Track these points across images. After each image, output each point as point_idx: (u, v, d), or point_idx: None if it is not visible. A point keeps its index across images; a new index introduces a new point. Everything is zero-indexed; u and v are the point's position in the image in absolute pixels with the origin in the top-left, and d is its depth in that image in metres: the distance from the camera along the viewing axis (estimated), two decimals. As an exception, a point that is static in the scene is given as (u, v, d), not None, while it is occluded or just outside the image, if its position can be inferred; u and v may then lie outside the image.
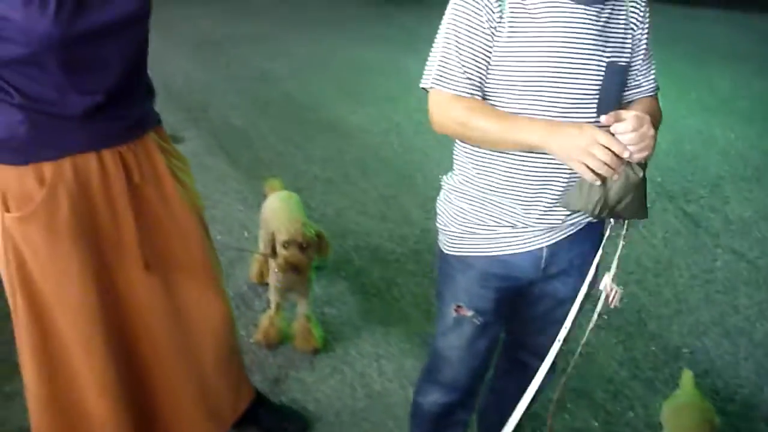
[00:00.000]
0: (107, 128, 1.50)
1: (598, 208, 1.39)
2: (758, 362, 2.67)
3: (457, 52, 1.44)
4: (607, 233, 1.54)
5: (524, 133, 1.40)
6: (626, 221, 1.51)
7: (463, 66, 1.43)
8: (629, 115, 1.33)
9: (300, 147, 4.43)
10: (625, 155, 1.32)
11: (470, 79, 1.44)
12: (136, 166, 1.57)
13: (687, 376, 2.20)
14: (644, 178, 1.39)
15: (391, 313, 2.85)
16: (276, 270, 2.39)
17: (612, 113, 1.34)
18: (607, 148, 1.30)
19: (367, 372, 2.51)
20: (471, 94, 1.44)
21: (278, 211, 2.54)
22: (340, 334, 2.70)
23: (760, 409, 2.45)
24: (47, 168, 1.46)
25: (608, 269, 1.53)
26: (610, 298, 1.52)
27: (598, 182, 1.36)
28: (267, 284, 2.70)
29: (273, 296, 2.51)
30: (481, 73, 1.44)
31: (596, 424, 2.34)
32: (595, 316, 1.52)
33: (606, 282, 1.52)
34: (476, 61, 1.43)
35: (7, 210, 1.46)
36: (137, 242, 1.58)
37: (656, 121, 1.56)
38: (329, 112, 5.10)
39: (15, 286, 1.53)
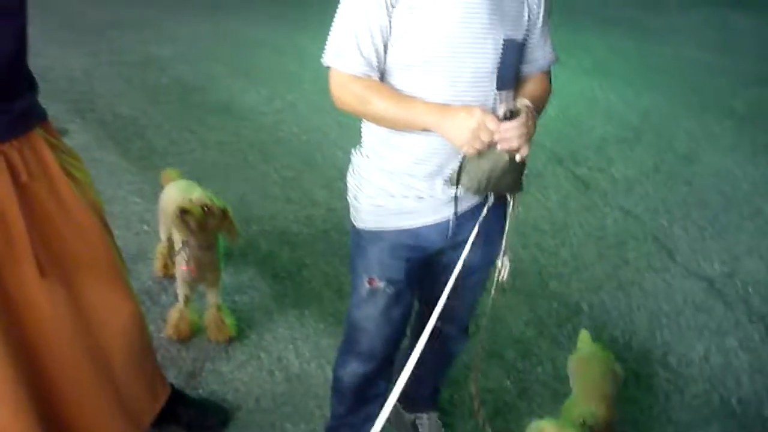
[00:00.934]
0: None
1: (481, 187, 1.50)
2: (649, 310, 2.88)
3: (353, 31, 1.45)
4: (512, 203, 1.61)
5: (418, 116, 1.46)
6: (513, 199, 1.59)
7: (359, 46, 1.45)
8: (522, 112, 1.42)
9: (194, 133, 4.30)
10: (513, 146, 1.42)
11: (366, 58, 1.46)
12: (22, 165, 1.47)
13: (584, 335, 2.34)
14: (518, 161, 1.48)
15: (303, 294, 2.85)
16: (183, 261, 2.33)
17: (504, 105, 1.44)
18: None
19: (284, 355, 2.51)
20: (367, 74, 1.47)
21: (178, 196, 2.45)
22: (253, 321, 2.68)
23: (655, 353, 2.64)
24: None
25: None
26: (502, 274, 1.65)
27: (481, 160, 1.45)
28: (173, 277, 2.64)
29: (181, 289, 2.45)
30: (377, 53, 1.46)
31: (509, 382, 2.46)
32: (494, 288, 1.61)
33: (499, 258, 1.64)
34: (373, 41, 1.45)
35: None
36: (30, 246, 1.50)
37: (544, 101, 1.66)
38: (222, 93, 4.97)
39: None
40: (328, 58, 1.50)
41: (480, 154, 1.45)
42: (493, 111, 1.51)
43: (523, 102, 1.49)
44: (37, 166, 1.51)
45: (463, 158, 1.49)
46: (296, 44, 6.07)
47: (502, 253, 1.67)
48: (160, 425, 2.06)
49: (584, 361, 2.28)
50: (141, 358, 1.88)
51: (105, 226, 1.72)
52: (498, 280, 1.69)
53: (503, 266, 1.67)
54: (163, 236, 2.73)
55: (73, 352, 1.67)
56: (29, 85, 1.53)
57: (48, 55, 5.41)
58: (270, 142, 4.28)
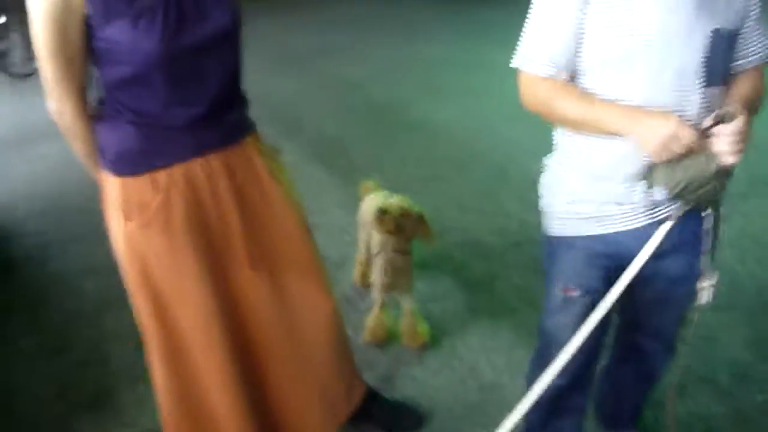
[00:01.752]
0: (210, 135, 1.59)
1: (677, 189, 1.39)
2: None
3: (543, 32, 1.43)
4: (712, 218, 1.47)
5: (606, 119, 1.40)
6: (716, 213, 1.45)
7: (548, 47, 1.43)
8: (737, 120, 1.31)
9: (391, 149, 4.48)
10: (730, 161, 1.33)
11: (554, 60, 1.43)
12: (238, 168, 1.65)
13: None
14: (725, 172, 1.38)
15: (496, 306, 2.83)
16: (381, 265, 2.42)
17: (714, 115, 1.34)
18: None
19: (477, 365, 2.51)
20: (554, 75, 1.43)
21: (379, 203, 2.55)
22: (447, 329, 2.71)
23: None
24: (160, 176, 1.56)
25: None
26: (702, 297, 1.53)
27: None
28: (370, 286, 2.75)
29: (377, 294, 2.55)
30: (567, 52, 1.43)
31: (723, 409, 2.23)
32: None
33: (702, 282, 1.52)
34: (562, 41, 1.42)
35: (129, 219, 1.57)
36: (243, 241, 1.65)
37: (759, 102, 1.51)
38: (415, 112, 5.14)
39: (136, 289, 1.64)
40: (516, 59, 1.49)
41: (685, 157, 1.35)
42: (700, 111, 1.40)
43: (734, 108, 1.37)
44: (249, 169, 1.68)
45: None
46: (483, 59, 6.09)
47: (702, 274, 1.52)
48: (357, 423, 2.15)
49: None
50: (340, 355, 1.98)
51: (306, 226, 1.84)
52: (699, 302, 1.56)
53: (705, 288, 1.53)
54: (361, 245, 2.87)
55: (280, 340, 1.81)
56: (242, 99, 1.71)
57: (263, 83, 5.92)
58: (463, 155, 4.33)
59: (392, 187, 3.75)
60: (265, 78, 6.14)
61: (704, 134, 1.36)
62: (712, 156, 1.35)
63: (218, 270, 1.66)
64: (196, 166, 1.58)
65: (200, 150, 1.58)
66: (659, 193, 1.50)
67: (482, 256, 3.17)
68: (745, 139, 1.35)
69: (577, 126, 1.48)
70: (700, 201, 1.44)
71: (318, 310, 1.83)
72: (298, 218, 1.80)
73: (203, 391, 1.74)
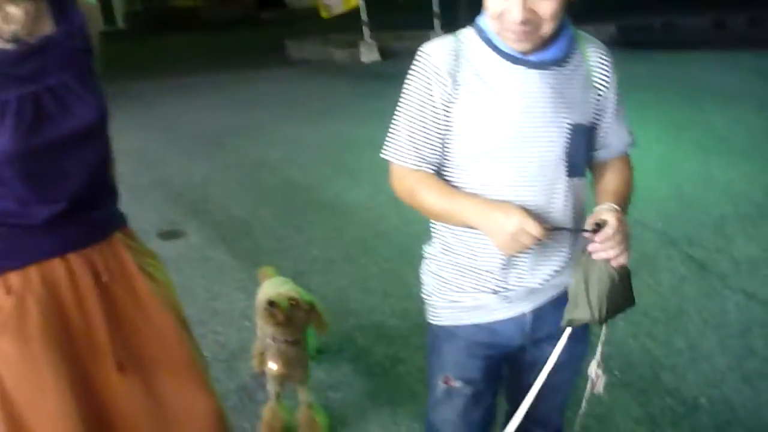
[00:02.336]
0: (72, 233, 1.52)
1: (602, 314, 1.41)
2: (782, 407, 2.56)
3: (407, 126, 1.47)
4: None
5: (462, 213, 1.43)
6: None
7: (412, 140, 1.47)
8: (610, 227, 1.36)
9: (300, 230, 4.46)
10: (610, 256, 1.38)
11: (418, 151, 1.47)
12: (103, 267, 1.57)
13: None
14: (626, 274, 1.43)
15: (397, 391, 2.78)
16: (271, 356, 2.36)
17: (592, 221, 1.39)
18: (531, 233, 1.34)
19: (376, 456, 2.44)
20: (418, 166, 1.46)
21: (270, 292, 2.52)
22: (346, 419, 2.64)
23: (789, 457, 2.33)
24: (13, 277, 1.47)
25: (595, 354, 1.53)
26: (596, 386, 1.53)
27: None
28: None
29: (272, 385, 2.47)
30: (431, 147, 1.46)
31: (618, 490, 2.24)
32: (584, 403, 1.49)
33: (592, 368, 1.53)
34: (426, 135, 1.46)
35: None
36: (109, 344, 1.57)
37: (629, 192, 1.58)
38: (327, 191, 5.16)
39: None
40: (386, 151, 1.52)
41: (586, 280, 1.41)
42: (566, 200, 1.46)
43: (609, 207, 1.43)
44: (117, 267, 1.60)
45: (570, 293, 1.44)
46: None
47: (595, 363, 1.54)
48: None
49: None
50: None
51: (183, 324, 1.77)
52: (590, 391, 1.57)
53: (597, 377, 1.54)
54: (259, 332, 2.79)
55: None
56: (111, 194, 1.65)
57: (172, 164, 5.90)
58: (372, 236, 4.34)
59: (297, 270, 3.73)
60: (173, 158, 6.08)
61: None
62: (606, 265, 1.40)
63: (81, 376, 1.55)
64: (55, 267, 1.50)
65: (61, 249, 1.50)
66: (534, 281, 1.53)
67: (385, 339, 3.14)
68: (626, 234, 1.39)
69: (439, 218, 1.52)
70: (620, 311, 1.47)
71: (196, 413, 1.74)
72: (174, 317, 1.72)
73: None
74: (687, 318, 3.16)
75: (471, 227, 1.44)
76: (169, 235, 4.39)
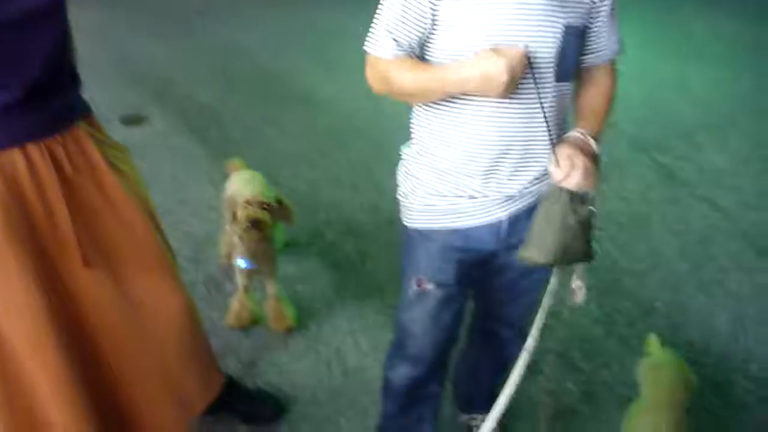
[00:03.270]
0: (30, 121, 1.43)
1: (555, 260, 1.42)
2: (733, 312, 2.68)
3: (389, 18, 1.40)
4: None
5: (443, 81, 1.37)
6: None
7: (392, 32, 1.40)
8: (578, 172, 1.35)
9: (271, 121, 4.35)
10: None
11: (397, 42, 1.40)
12: (66, 158, 1.50)
13: (652, 341, 2.19)
14: (587, 223, 1.44)
15: (365, 286, 2.83)
16: (239, 250, 2.36)
17: (565, 164, 1.37)
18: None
19: (343, 348, 2.50)
20: (396, 56, 1.41)
21: (239, 189, 2.49)
22: (314, 311, 2.68)
23: (735, 359, 2.46)
24: None
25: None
26: (576, 297, 1.56)
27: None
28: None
29: (240, 279, 2.48)
30: (411, 39, 1.40)
31: (571, 384, 2.35)
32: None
33: (573, 280, 1.54)
34: (406, 27, 1.39)
35: None
36: (74, 236, 1.53)
37: (608, 110, 1.55)
38: (301, 82, 5.00)
39: None
40: (367, 44, 1.46)
41: (546, 220, 1.40)
42: (551, 105, 1.42)
43: (578, 133, 1.43)
44: (81, 159, 1.54)
45: (530, 232, 1.44)
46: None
47: (575, 276, 1.55)
48: (215, 414, 2.09)
49: (657, 368, 2.14)
50: (193, 348, 1.90)
51: (152, 218, 1.73)
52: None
53: (578, 288, 1.57)
54: (227, 225, 2.77)
55: (123, 339, 1.70)
56: (72, 80, 1.55)
57: (134, 44, 5.62)
58: (345, 129, 4.27)
59: (266, 162, 3.67)
60: (134, 38, 5.78)
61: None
62: (569, 207, 1.40)
63: (48, 270, 1.52)
64: (13, 158, 1.43)
65: (17, 139, 1.42)
66: (512, 188, 1.52)
67: (354, 235, 3.16)
68: (588, 166, 1.38)
69: (417, 95, 1.46)
70: (575, 261, 1.49)
71: (165, 306, 1.74)
72: (142, 210, 1.67)
73: (37, 402, 1.62)
74: (651, 224, 3.23)
75: (453, 95, 1.40)
76: (132, 120, 4.23)
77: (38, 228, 1.49)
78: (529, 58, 1.33)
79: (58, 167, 1.48)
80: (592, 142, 1.44)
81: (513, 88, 1.33)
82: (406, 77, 1.41)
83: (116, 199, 1.59)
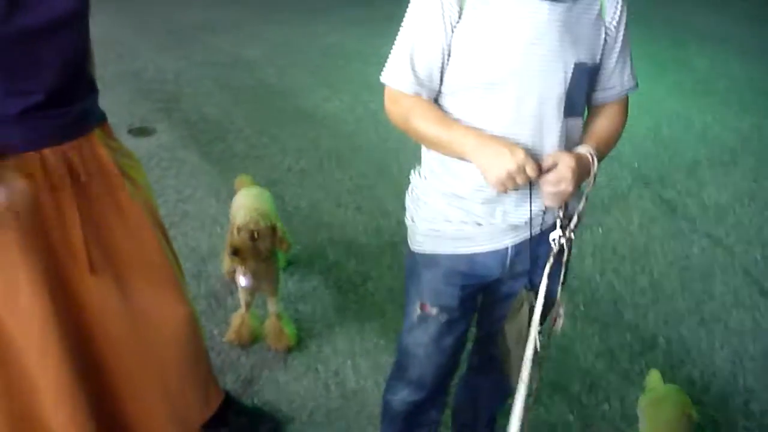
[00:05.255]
0: (48, 127, 1.44)
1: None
2: (734, 350, 2.67)
3: (410, 48, 1.42)
4: (555, 240, 1.49)
5: (457, 143, 1.40)
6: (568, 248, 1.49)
7: (413, 64, 1.41)
8: (559, 170, 1.36)
9: (274, 137, 4.36)
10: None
11: (418, 77, 1.42)
12: (81, 164, 1.51)
13: (654, 376, 2.18)
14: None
15: (366, 308, 2.81)
16: (240, 274, 2.35)
17: (552, 156, 1.37)
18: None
19: (342, 370, 2.48)
20: (417, 92, 1.42)
21: (244, 206, 2.49)
22: (314, 331, 2.66)
23: (736, 398, 2.45)
24: None
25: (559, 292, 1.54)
26: (555, 325, 1.55)
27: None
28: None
29: (242, 295, 2.46)
30: (431, 72, 1.41)
31: (572, 417, 2.33)
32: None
33: (555, 308, 1.53)
34: (428, 60, 1.40)
35: None
36: (83, 243, 1.53)
37: (615, 139, 1.56)
38: (305, 99, 5.01)
39: None
40: (384, 74, 1.47)
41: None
42: (559, 140, 1.43)
43: (586, 149, 1.42)
44: (94, 165, 1.55)
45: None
46: (381, 52, 6.00)
47: (556, 304, 1.54)
48: (212, 429, 2.07)
49: (658, 402, 2.13)
50: (194, 362, 1.89)
51: (159, 227, 1.73)
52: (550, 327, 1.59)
53: (558, 316, 1.55)
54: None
55: (126, 348, 1.70)
56: (90, 89, 1.57)
57: (142, 57, 5.64)
58: (348, 149, 4.27)
59: (270, 179, 3.67)
60: (144, 52, 5.80)
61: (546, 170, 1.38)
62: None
63: (56, 273, 1.52)
64: (32, 161, 1.43)
65: (36, 143, 1.43)
66: (518, 218, 1.52)
67: (356, 255, 3.15)
68: (569, 187, 1.38)
69: (432, 146, 1.49)
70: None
71: (169, 318, 1.73)
72: (149, 219, 1.67)
73: (38, 406, 1.60)
74: (653, 258, 3.23)
75: (464, 159, 1.41)
76: (140, 132, 4.23)
77: (49, 232, 1.50)
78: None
79: (72, 172, 1.49)
80: (596, 163, 1.44)
81: (508, 186, 1.35)
82: (428, 129, 1.43)
83: (126, 208, 1.60)
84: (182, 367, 1.83)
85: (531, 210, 1.48)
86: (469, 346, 1.92)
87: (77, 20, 1.43)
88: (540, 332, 1.51)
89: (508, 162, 1.32)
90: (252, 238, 2.21)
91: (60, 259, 1.53)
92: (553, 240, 1.48)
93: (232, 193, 2.92)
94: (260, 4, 7.77)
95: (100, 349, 1.67)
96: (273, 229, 2.28)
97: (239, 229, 2.23)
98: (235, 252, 2.22)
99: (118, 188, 1.58)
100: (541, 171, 1.36)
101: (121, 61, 5.50)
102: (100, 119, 1.60)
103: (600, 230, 3.41)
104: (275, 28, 6.84)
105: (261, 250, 2.25)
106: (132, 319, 1.67)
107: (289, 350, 2.53)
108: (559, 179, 1.36)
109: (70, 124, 1.49)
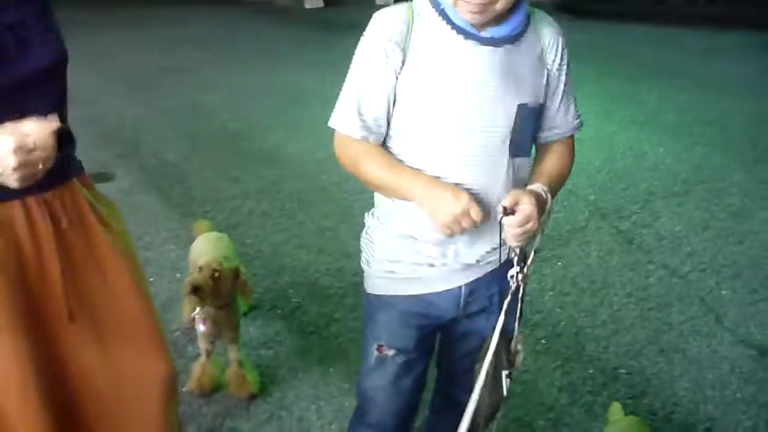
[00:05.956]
0: None
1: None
2: (693, 379, 2.71)
3: (356, 94, 1.45)
4: (514, 276, 1.50)
5: (404, 187, 1.43)
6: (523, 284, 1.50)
7: (359, 109, 1.44)
8: (524, 209, 1.37)
9: (235, 180, 4.36)
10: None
11: (365, 122, 1.44)
12: (62, 212, 1.50)
13: (615, 409, 2.20)
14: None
15: (329, 351, 2.79)
16: (200, 319, 2.32)
17: (512, 196, 1.38)
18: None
19: (306, 415, 2.45)
20: (365, 137, 1.45)
21: (204, 251, 2.47)
22: (277, 377, 2.63)
23: (698, 427, 2.48)
24: None
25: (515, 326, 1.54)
26: (517, 360, 1.55)
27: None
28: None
29: (202, 343, 2.43)
30: (378, 117, 1.44)
31: (537, 454, 2.33)
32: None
33: (513, 345, 1.54)
34: (374, 105, 1.43)
35: None
36: (62, 292, 1.50)
37: (565, 177, 1.59)
38: (265, 142, 5.04)
39: None
40: (332, 119, 1.49)
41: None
42: (506, 180, 1.46)
43: (539, 186, 1.45)
44: (75, 214, 1.53)
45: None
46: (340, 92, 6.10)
47: (514, 340, 1.55)
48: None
49: (620, 434, 2.15)
50: (170, 421, 1.84)
51: (138, 275, 1.70)
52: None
53: (517, 352, 1.56)
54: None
55: (104, 409, 1.65)
56: (69, 139, 1.56)
57: (103, 103, 5.62)
58: (310, 191, 4.29)
59: (230, 222, 3.66)
60: (103, 97, 5.79)
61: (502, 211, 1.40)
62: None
63: (36, 321, 1.49)
64: (13, 210, 1.42)
65: (18, 192, 1.41)
66: (470, 258, 1.54)
67: (319, 298, 3.14)
68: (533, 227, 1.40)
69: (380, 190, 1.52)
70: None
71: (149, 375, 1.67)
72: (127, 267, 1.65)
73: None
74: (612, 290, 3.28)
75: (412, 202, 1.43)
76: (99, 177, 4.19)
77: (30, 281, 1.48)
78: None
79: (54, 220, 1.48)
80: (550, 199, 1.46)
81: (454, 230, 1.39)
82: (376, 174, 1.46)
83: (105, 259, 1.58)
84: (156, 425, 1.78)
85: (501, 249, 1.50)
86: (431, 386, 1.92)
87: (59, 69, 1.44)
88: (509, 375, 1.52)
89: (452, 206, 1.35)
90: (213, 278, 2.20)
91: (39, 309, 1.50)
92: (511, 276, 1.49)
93: (191, 238, 2.90)
94: (219, 49, 7.85)
95: (78, 404, 1.63)
96: (236, 272, 2.27)
97: (201, 269, 2.21)
98: (195, 290, 2.20)
99: (96, 237, 1.57)
100: (505, 211, 1.38)
101: (81, 107, 5.46)
102: (79, 169, 1.60)
103: (559, 263, 3.46)
104: (234, 71, 6.90)
105: (222, 292, 2.23)
106: (110, 373, 1.62)
107: (252, 397, 2.49)
108: (526, 218, 1.38)
109: (52, 174, 1.48)
